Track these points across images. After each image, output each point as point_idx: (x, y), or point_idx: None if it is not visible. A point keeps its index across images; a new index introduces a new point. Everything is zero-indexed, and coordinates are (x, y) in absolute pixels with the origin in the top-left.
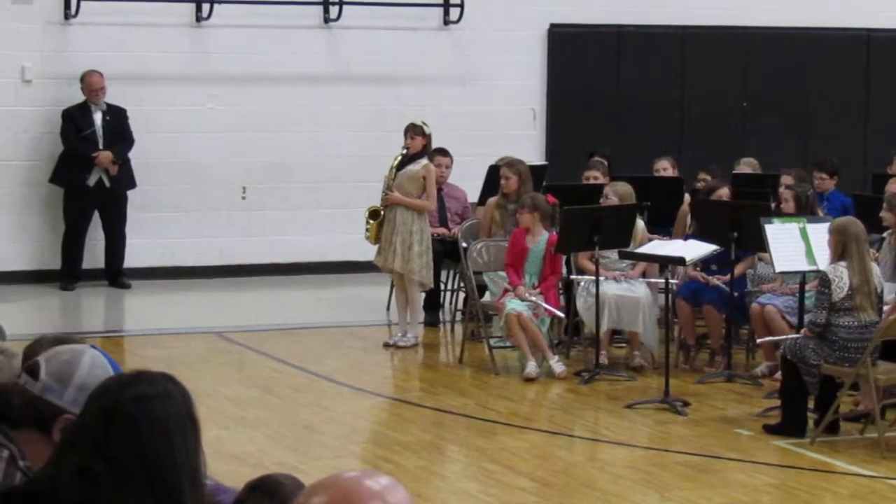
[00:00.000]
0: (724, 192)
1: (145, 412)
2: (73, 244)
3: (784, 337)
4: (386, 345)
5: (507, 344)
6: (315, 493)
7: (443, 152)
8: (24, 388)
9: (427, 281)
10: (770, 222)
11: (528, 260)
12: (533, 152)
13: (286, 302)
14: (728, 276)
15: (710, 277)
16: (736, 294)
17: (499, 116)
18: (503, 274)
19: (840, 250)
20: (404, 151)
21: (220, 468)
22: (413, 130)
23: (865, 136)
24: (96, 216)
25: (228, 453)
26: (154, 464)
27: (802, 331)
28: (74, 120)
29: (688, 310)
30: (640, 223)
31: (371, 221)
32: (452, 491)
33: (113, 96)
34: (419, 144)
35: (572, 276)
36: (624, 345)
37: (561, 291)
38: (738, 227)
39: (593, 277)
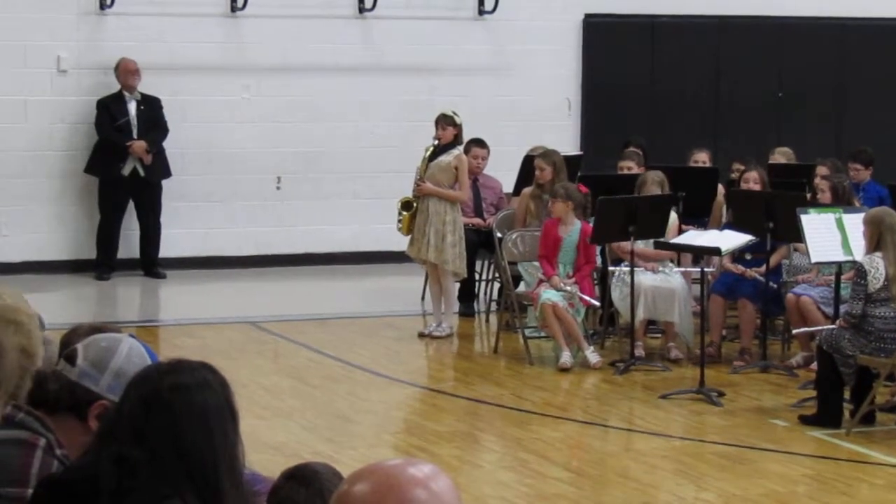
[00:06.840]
0: (752, 176)
1: (184, 401)
2: (108, 234)
3: (820, 327)
4: (420, 335)
5: (542, 334)
6: (358, 481)
7: (480, 143)
8: (60, 373)
9: (461, 271)
10: (806, 213)
11: (562, 250)
12: (568, 143)
13: (321, 292)
14: (763, 268)
15: (747, 269)
16: (773, 284)
17: (533, 107)
18: (538, 264)
19: (875, 241)
20: (435, 142)
21: (256, 458)
22: (444, 121)
23: None
24: (131, 206)
25: (264, 443)
26: (192, 453)
27: (838, 321)
28: (109, 109)
29: (720, 306)
30: (672, 214)
31: (404, 213)
32: (487, 481)
33: (148, 86)
34: (450, 135)
35: (610, 268)
36: (659, 335)
37: (596, 282)
38: (773, 217)
39: (628, 268)
